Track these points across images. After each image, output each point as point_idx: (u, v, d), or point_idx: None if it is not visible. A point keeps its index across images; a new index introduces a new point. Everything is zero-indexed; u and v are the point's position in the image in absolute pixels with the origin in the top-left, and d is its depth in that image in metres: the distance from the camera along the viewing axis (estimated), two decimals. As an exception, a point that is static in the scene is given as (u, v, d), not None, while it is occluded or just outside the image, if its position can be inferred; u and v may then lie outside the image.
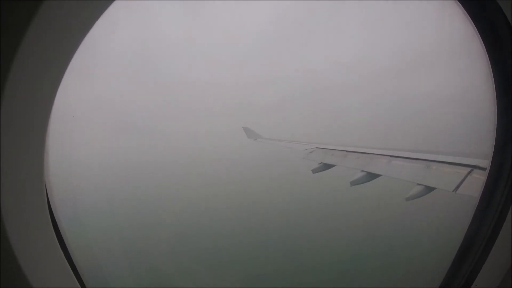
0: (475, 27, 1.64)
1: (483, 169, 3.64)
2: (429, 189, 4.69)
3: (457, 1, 1.60)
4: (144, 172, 19.93)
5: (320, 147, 8.56)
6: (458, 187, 4.07)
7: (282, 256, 12.04)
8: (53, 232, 1.32)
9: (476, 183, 3.88)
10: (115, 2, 1.14)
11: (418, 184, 4.81)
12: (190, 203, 16.89)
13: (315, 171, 7.61)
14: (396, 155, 6.11)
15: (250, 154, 18.77)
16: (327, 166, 7.47)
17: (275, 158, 17.68)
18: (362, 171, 6.16)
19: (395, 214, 12.02)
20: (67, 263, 1.41)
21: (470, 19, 1.62)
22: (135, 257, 10.92)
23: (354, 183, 6.15)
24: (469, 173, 4.17)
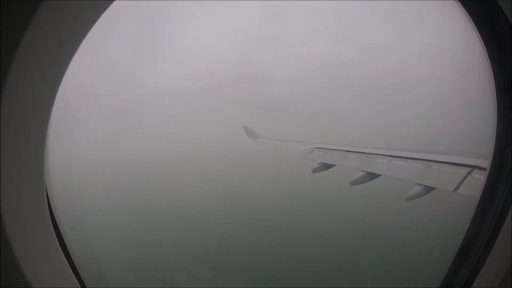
0: (475, 27, 1.64)
1: (483, 169, 3.64)
2: (429, 189, 4.69)
3: (457, 1, 1.60)
4: (144, 171, 19.92)
5: (320, 147, 8.56)
6: (458, 187, 4.08)
7: (281, 256, 12.04)
8: (53, 232, 1.32)
9: (476, 183, 3.88)
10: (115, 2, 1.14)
11: (418, 184, 4.82)
12: (191, 203, 16.88)
13: (315, 171, 7.62)
14: (396, 155, 6.12)
15: (250, 154, 18.78)
16: (327, 166, 7.47)
17: (275, 158, 17.69)
18: (362, 171, 6.17)
19: (395, 214, 12.02)
20: (67, 263, 1.42)
21: (471, 19, 1.62)
22: (136, 257, 10.92)
23: (354, 183, 6.16)
24: (469, 173, 4.17)
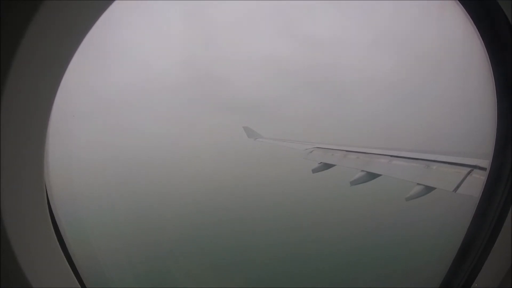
0: (475, 27, 1.64)
1: (483, 169, 3.64)
2: (429, 189, 4.69)
3: (457, 1, 1.60)
4: (144, 171, 19.92)
5: (320, 147, 8.55)
6: (458, 187, 4.07)
7: (281, 256, 12.04)
8: (53, 232, 1.32)
9: (476, 183, 3.88)
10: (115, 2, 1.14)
11: (418, 184, 4.81)
12: (191, 203, 16.89)
13: (315, 171, 7.61)
14: (396, 155, 6.11)
15: (250, 154, 18.79)
16: (327, 166, 7.46)
17: (275, 158, 17.70)
18: (362, 171, 6.16)
19: (395, 214, 12.02)
20: (67, 263, 1.41)
21: (470, 19, 1.62)
22: (135, 257, 10.92)
23: (354, 183, 6.14)
24: (469, 173, 4.16)
